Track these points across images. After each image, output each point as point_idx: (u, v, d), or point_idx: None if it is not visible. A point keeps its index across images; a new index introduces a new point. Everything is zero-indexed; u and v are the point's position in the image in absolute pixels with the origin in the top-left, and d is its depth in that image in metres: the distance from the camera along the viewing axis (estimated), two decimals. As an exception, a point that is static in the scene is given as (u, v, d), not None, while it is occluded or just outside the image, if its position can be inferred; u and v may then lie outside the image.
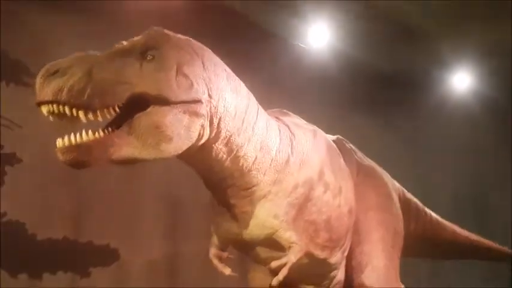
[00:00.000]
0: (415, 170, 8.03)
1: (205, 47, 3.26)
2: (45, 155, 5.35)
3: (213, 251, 3.75)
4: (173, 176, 5.83)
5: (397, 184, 5.15)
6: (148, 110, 2.76)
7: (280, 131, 3.72)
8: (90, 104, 2.54)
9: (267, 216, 3.47)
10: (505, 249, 5.99)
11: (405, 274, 4.77)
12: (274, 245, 3.54)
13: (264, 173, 3.48)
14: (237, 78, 3.44)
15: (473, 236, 5.78)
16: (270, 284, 3.79)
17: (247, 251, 3.94)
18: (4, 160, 5.32)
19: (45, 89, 2.49)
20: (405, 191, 5.25)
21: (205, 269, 3.92)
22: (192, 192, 3.77)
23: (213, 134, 3.16)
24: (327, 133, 4.83)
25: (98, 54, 2.74)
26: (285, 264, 3.47)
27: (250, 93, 3.54)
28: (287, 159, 3.60)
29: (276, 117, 3.83)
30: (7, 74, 5.49)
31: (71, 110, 2.52)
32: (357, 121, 7.68)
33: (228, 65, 3.54)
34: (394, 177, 5.48)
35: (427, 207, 5.81)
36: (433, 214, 5.49)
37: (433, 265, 7.94)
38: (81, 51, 2.76)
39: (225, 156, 3.28)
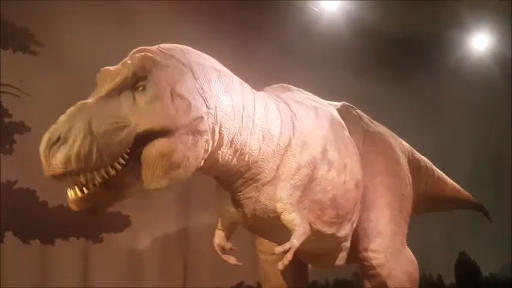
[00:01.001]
0: (433, 133, 8.01)
1: (188, 49, 3.23)
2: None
3: (217, 241, 3.79)
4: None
5: (406, 145, 5.17)
6: (151, 143, 2.77)
7: (280, 112, 3.69)
8: (100, 163, 2.57)
9: (270, 200, 3.51)
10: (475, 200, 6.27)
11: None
12: (280, 226, 3.58)
13: (269, 160, 3.53)
14: (226, 71, 3.41)
15: (462, 190, 5.94)
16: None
17: (255, 232, 4.03)
18: (13, 129, 5.41)
19: (52, 161, 2.50)
20: (414, 151, 5.27)
21: (213, 234, 4.03)
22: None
23: (216, 142, 3.17)
24: (343, 98, 4.84)
25: (91, 103, 2.71)
26: (289, 249, 3.57)
27: (242, 83, 3.51)
28: (289, 141, 3.61)
29: (276, 95, 3.84)
30: (15, 43, 5.49)
31: (85, 176, 2.55)
32: (373, 85, 7.63)
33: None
34: (411, 140, 5.49)
35: (446, 170, 5.86)
36: (438, 170, 5.55)
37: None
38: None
39: (230, 157, 3.33)
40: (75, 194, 2.60)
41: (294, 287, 4.75)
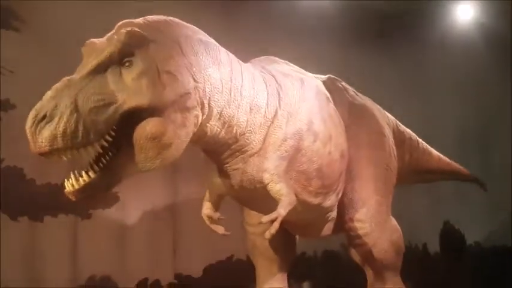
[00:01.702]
0: (419, 103, 8.09)
1: (175, 22, 3.22)
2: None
3: (204, 211, 3.84)
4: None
5: (391, 117, 5.24)
6: (141, 124, 2.80)
7: (266, 84, 3.73)
8: (86, 141, 2.61)
9: (257, 171, 3.57)
10: (466, 172, 6.36)
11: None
12: (267, 197, 3.64)
13: (256, 132, 3.58)
14: (213, 43, 3.40)
15: (449, 161, 6.05)
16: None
17: (242, 203, 4.10)
18: None
19: (38, 139, 2.54)
20: (399, 123, 5.35)
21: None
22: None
23: (205, 116, 3.21)
24: (329, 70, 4.88)
25: (77, 79, 2.72)
26: (275, 219, 3.65)
27: (229, 54, 3.52)
28: (275, 113, 3.66)
29: (262, 67, 3.86)
30: None
31: (71, 153, 2.60)
32: (359, 57, 7.66)
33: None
34: (397, 112, 5.55)
35: (432, 140, 5.95)
36: (423, 143, 5.65)
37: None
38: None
39: (219, 129, 3.37)
40: (72, 186, 2.68)
41: (282, 258, 4.86)
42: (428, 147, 5.76)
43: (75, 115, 2.59)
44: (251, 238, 4.81)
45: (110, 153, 2.77)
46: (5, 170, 5.45)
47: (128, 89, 2.80)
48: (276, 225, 3.65)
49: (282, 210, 3.59)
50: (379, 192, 4.58)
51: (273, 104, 3.65)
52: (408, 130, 5.48)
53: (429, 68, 8.34)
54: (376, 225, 4.53)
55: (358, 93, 4.94)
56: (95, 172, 2.71)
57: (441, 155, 5.95)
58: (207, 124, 3.24)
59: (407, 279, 6.57)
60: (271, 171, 3.58)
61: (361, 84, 5.24)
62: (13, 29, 5.54)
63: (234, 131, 3.42)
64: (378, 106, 5.11)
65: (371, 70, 7.66)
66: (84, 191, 2.70)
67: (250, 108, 3.50)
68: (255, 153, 3.58)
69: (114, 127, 2.73)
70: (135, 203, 6.32)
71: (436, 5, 7.96)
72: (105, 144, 2.71)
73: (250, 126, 3.51)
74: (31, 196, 5.59)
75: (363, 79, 6.42)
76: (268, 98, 3.64)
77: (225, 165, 3.60)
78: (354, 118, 4.59)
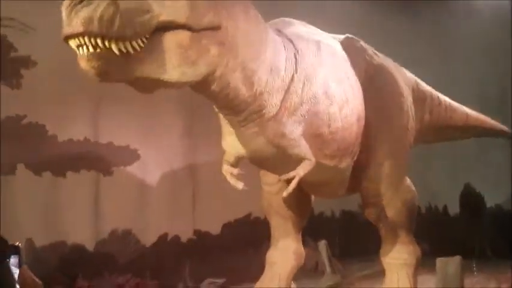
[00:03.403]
0: (439, 64, 8.00)
1: None
2: (61, 58, 5.52)
3: (225, 167, 3.96)
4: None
5: (410, 76, 5.23)
6: (173, 31, 2.82)
7: (285, 48, 3.76)
8: (121, 34, 2.58)
9: (274, 136, 3.65)
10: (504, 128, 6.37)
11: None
12: (284, 159, 3.75)
13: (273, 95, 3.65)
14: (246, 1, 3.46)
15: (482, 116, 5.98)
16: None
17: (259, 166, 4.20)
18: (20, 63, 5.44)
19: (73, 19, 2.52)
20: (419, 81, 5.34)
21: (220, 168, 4.20)
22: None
23: (230, 63, 3.29)
24: (350, 31, 4.86)
25: None
26: (293, 177, 3.76)
27: (258, 13, 3.55)
28: (292, 77, 3.71)
29: (278, 30, 3.88)
30: None
31: (103, 41, 2.55)
32: (380, 17, 7.58)
33: None
34: (420, 72, 5.52)
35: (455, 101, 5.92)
36: (446, 99, 5.61)
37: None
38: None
39: (240, 82, 3.43)
40: (88, 49, 2.58)
41: (296, 217, 4.98)
42: (454, 104, 5.71)
43: (112, 7, 2.57)
44: (266, 197, 4.93)
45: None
46: (27, 126, 5.54)
47: (165, 5, 2.81)
48: (294, 184, 3.77)
49: (301, 171, 3.72)
50: (395, 153, 4.63)
51: (290, 69, 3.70)
52: (429, 88, 5.46)
53: (453, 31, 8.22)
54: (390, 185, 4.61)
55: (378, 53, 4.93)
56: (114, 47, 2.61)
57: (470, 111, 5.89)
58: (232, 74, 3.28)
59: (426, 239, 6.72)
60: (287, 136, 3.67)
61: (382, 46, 5.24)
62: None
63: (254, 89, 3.48)
64: (397, 65, 5.11)
65: (393, 32, 7.58)
66: (98, 59, 2.62)
67: (271, 68, 3.56)
68: (272, 117, 3.64)
69: (148, 35, 2.72)
70: (155, 161, 6.42)
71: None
72: (137, 47, 2.69)
73: (269, 87, 3.57)
74: (53, 152, 5.69)
75: (385, 41, 6.39)
76: (286, 62, 3.69)
77: (242, 128, 3.68)
78: (371, 79, 4.61)
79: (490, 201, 8.20)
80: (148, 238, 6.31)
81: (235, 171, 3.98)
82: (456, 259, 3.46)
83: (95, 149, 5.99)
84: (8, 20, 5.41)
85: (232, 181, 3.99)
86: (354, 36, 4.77)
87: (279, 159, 3.78)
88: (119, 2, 2.61)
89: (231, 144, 3.93)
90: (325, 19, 4.72)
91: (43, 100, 5.54)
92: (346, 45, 4.54)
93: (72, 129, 5.79)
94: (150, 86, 3.00)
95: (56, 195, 5.74)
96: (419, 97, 5.22)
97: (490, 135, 6.51)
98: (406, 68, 5.33)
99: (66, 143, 5.78)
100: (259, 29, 3.53)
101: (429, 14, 7.99)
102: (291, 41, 3.87)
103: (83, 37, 2.54)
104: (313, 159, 3.77)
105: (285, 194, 3.92)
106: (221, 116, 3.86)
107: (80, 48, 2.62)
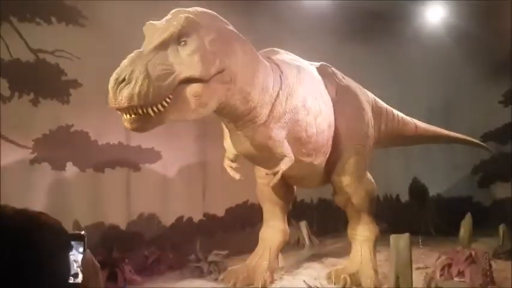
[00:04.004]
0: (396, 85, 8.01)
1: (214, 14, 3.31)
2: (100, 80, 5.51)
3: (226, 162, 4.09)
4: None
5: (370, 95, 5.27)
6: (191, 85, 2.93)
7: (273, 71, 3.84)
8: (154, 101, 2.71)
9: (263, 138, 3.71)
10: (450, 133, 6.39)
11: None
12: (270, 156, 3.82)
13: (263, 107, 3.66)
14: (240, 36, 3.48)
15: (430, 128, 6.00)
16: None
17: (252, 161, 4.24)
18: (69, 85, 5.42)
19: (119, 97, 2.64)
20: (377, 99, 5.37)
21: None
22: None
23: (231, 90, 3.32)
24: (324, 60, 4.87)
25: (146, 52, 2.82)
26: (277, 172, 3.79)
27: (251, 46, 3.60)
28: (278, 93, 3.76)
29: (268, 57, 3.94)
30: (66, 17, 5.40)
31: (142, 110, 2.69)
32: (349, 49, 7.61)
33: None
34: (379, 92, 5.51)
35: (406, 114, 5.89)
36: (399, 114, 5.63)
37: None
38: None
39: (238, 102, 3.46)
40: (130, 115, 2.73)
41: (283, 203, 5.01)
42: (406, 118, 5.73)
43: (147, 80, 2.68)
44: (260, 187, 4.95)
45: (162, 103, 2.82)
46: (74, 133, 5.53)
47: (183, 62, 2.89)
48: (278, 176, 3.81)
49: (283, 166, 3.78)
50: (358, 154, 4.66)
51: (276, 87, 3.73)
52: (385, 105, 5.48)
53: (404, 57, 8.24)
54: (355, 178, 4.63)
55: (345, 77, 4.95)
56: (150, 110, 2.76)
57: (419, 123, 5.90)
58: (232, 96, 3.34)
59: (384, 220, 6.71)
60: (273, 138, 3.71)
61: (350, 71, 5.25)
62: (79, 25, 5.52)
63: (249, 105, 3.51)
64: (360, 86, 5.13)
65: (358, 59, 7.60)
66: (137, 122, 2.75)
67: (262, 88, 3.58)
68: (262, 124, 3.68)
69: (172, 92, 2.82)
70: (174, 160, 6.39)
71: (413, 5, 7.81)
72: (165, 104, 2.79)
73: (260, 102, 3.60)
74: (95, 153, 5.68)
75: (352, 67, 6.39)
76: (273, 82, 3.72)
77: (238, 132, 3.71)
78: (340, 96, 4.64)
79: (432, 191, 8.21)
80: (168, 219, 6.29)
81: (234, 165, 4.07)
82: (406, 235, 3.46)
83: (127, 150, 5.98)
84: (59, 51, 5.42)
85: (232, 173, 4.05)
86: (327, 64, 4.80)
87: (266, 156, 3.83)
88: (150, 71, 2.70)
89: (231, 144, 3.96)
90: (304, 49, 4.72)
91: (87, 113, 5.55)
92: (320, 70, 4.58)
93: (109, 135, 5.78)
94: (176, 122, 3.23)
95: (96, 187, 5.71)
96: (377, 112, 5.23)
97: (435, 141, 6.53)
98: (368, 88, 5.34)
99: (104, 146, 5.78)
100: (253, 59, 3.55)
101: (384, 43, 7.98)
102: (278, 66, 3.89)
103: (127, 110, 2.67)
104: (293, 157, 3.83)
105: (271, 184, 3.96)
106: (223, 123, 3.90)
107: (124, 114, 2.76)
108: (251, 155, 3.94)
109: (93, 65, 5.33)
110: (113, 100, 2.68)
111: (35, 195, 5.14)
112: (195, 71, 2.91)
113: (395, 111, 5.61)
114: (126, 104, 2.64)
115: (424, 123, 5.99)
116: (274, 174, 3.81)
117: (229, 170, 4.08)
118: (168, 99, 2.80)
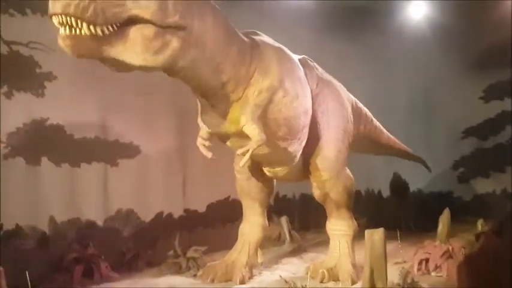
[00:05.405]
0: (378, 79, 8.09)
1: None
2: (76, 72, 5.44)
3: (199, 140, 4.01)
4: (180, 89, 5.92)
5: (351, 96, 5.27)
6: (141, 25, 2.81)
7: (251, 47, 3.79)
8: (92, 19, 2.60)
9: (237, 114, 3.67)
10: (413, 154, 6.70)
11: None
12: (243, 136, 3.75)
13: (239, 83, 3.61)
14: (215, 7, 3.36)
15: (397, 142, 6.11)
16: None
17: (226, 141, 4.17)
18: (44, 77, 5.32)
19: (56, 4, 2.56)
20: (357, 101, 5.38)
21: (205, 161, 4.17)
22: (194, 103, 3.95)
23: (197, 56, 3.25)
24: (308, 53, 4.84)
25: None
26: (248, 150, 3.73)
27: (226, 17, 3.48)
28: (255, 70, 3.71)
29: (247, 35, 3.86)
30: (44, 10, 5.30)
31: (76, 21, 2.58)
32: (332, 43, 7.62)
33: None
34: (360, 86, 5.50)
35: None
36: (377, 122, 5.70)
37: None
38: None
39: (209, 73, 3.41)
40: (65, 30, 2.63)
41: (262, 199, 5.00)
42: (381, 126, 5.80)
43: None
44: (239, 183, 4.92)
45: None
46: (50, 127, 5.43)
47: (137, 1, 2.78)
48: (248, 155, 3.74)
49: (253, 144, 3.69)
50: (338, 148, 4.67)
51: (254, 63, 3.69)
52: (365, 108, 5.51)
53: (386, 53, 8.30)
54: (334, 173, 4.64)
55: (326, 73, 4.95)
56: (86, 30, 2.63)
57: (391, 136, 5.99)
58: (201, 65, 3.24)
59: (365, 215, 6.76)
60: (248, 115, 3.65)
61: (333, 65, 5.24)
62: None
63: (221, 77, 3.46)
64: (341, 85, 5.13)
65: (341, 54, 7.62)
66: (73, 40, 2.64)
67: (236, 61, 3.53)
68: (237, 100, 3.64)
69: (118, 24, 2.72)
70: (153, 155, 6.32)
71: (394, 3, 7.87)
72: (106, 31, 2.68)
73: (235, 76, 3.54)
74: (70, 148, 5.59)
75: (335, 61, 6.41)
76: (251, 59, 3.67)
77: (214, 109, 3.67)
78: (321, 88, 4.63)
79: (413, 187, 8.29)
80: (147, 215, 6.24)
81: (207, 143, 3.99)
82: (380, 230, 3.48)
83: (104, 145, 5.90)
84: (34, 43, 5.30)
85: (204, 151, 4.00)
86: (309, 58, 4.78)
87: (238, 135, 3.77)
88: None
89: (205, 121, 3.92)
90: (287, 44, 4.68)
91: (62, 106, 5.47)
92: (302, 62, 4.56)
93: (85, 129, 5.70)
94: (118, 66, 2.93)
95: (72, 182, 5.62)
96: (357, 111, 5.26)
97: (402, 156, 6.64)
98: (350, 82, 5.33)
99: (80, 140, 5.68)
100: (227, 30, 3.49)
101: (367, 39, 8.02)
102: (258, 45, 3.85)
103: (61, 16, 2.56)
104: (265, 137, 3.72)
105: (241, 164, 3.91)
106: (199, 99, 3.84)
107: (61, 27, 2.63)
108: (224, 134, 3.90)
109: (68, 57, 5.19)
110: (51, 7, 2.60)
111: (9, 191, 5.04)
112: (147, 11, 2.79)
113: (374, 118, 5.66)
114: (60, 10, 2.55)
115: (395, 138, 6.13)
116: (244, 154, 3.75)
117: (201, 148, 4.00)
118: (111, 28, 2.69)
